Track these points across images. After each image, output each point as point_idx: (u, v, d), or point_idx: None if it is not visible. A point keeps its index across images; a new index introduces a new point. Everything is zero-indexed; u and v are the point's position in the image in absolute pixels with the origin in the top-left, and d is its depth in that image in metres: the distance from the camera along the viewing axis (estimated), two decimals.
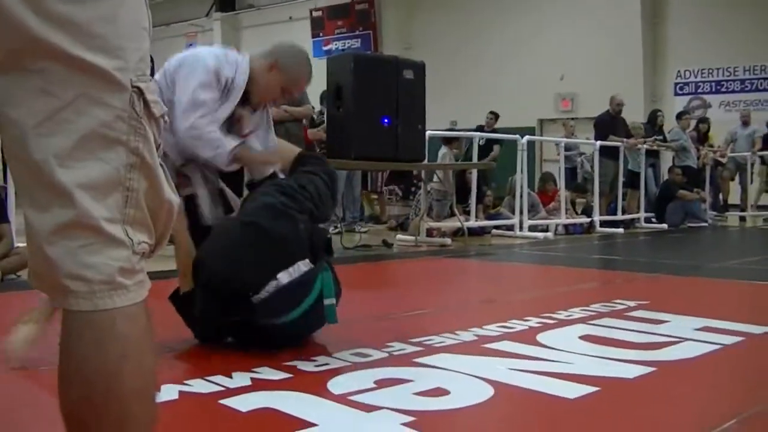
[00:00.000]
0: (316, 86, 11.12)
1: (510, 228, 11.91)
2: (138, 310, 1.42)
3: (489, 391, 3.12)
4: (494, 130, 16.12)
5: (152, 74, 7.62)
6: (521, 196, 11.88)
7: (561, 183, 13.05)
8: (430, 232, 10.64)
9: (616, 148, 13.84)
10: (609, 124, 14.21)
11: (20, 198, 1.42)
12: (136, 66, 1.39)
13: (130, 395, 1.40)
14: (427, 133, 9.41)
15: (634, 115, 15.62)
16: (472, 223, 11.29)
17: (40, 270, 1.40)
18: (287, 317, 3.61)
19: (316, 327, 3.87)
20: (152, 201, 1.44)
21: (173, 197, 1.50)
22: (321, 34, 24.46)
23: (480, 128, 15.47)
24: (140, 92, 1.39)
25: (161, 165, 1.47)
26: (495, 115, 16.82)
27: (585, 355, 3.80)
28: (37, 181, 1.35)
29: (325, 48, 23.91)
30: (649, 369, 3.52)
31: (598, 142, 13.58)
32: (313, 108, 11.28)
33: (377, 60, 9.61)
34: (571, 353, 3.80)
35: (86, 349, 1.38)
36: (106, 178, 1.36)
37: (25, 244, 6.57)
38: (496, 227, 12.07)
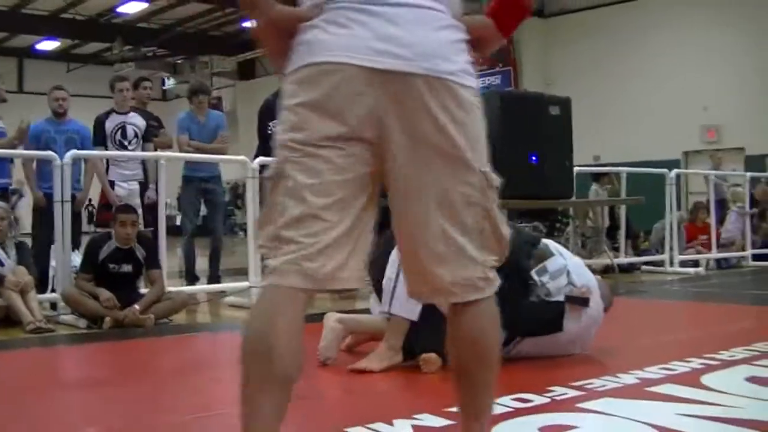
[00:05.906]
0: None
1: (660, 264, 11.68)
2: (490, 300, 2.24)
3: None
4: (640, 164, 15.85)
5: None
6: (671, 231, 11.63)
7: (712, 217, 12.66)
8: None
9: None
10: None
11: (405, 240, 2.21)
12: (481, 159, 2.17)
13: (496, 347, 2.33)
14: (575, 169, 9.32)
15: None
16: (622, 259, 11.10)
17: (423, 284, 2.23)
18: None
19: None
20: (495, 234, 2.22)
21: (506, 231, 2.25)
22: None
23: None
24: (485, 174, 2.17)
25: (499, 211, 2.23)
26: None
27: (755, 398, 3.67)
28: (430, 236, 2.15)
29: None
30: None
31: (749, 174, 13.19)
32: None
33: (523, 97, 9.54)
34: (739, 396, 3.68)
35: (477, 327, 2.26)
36: (473, 227, 2.17)
37: (176, 289, 6.59)
38: (646, 263, 11.85)
